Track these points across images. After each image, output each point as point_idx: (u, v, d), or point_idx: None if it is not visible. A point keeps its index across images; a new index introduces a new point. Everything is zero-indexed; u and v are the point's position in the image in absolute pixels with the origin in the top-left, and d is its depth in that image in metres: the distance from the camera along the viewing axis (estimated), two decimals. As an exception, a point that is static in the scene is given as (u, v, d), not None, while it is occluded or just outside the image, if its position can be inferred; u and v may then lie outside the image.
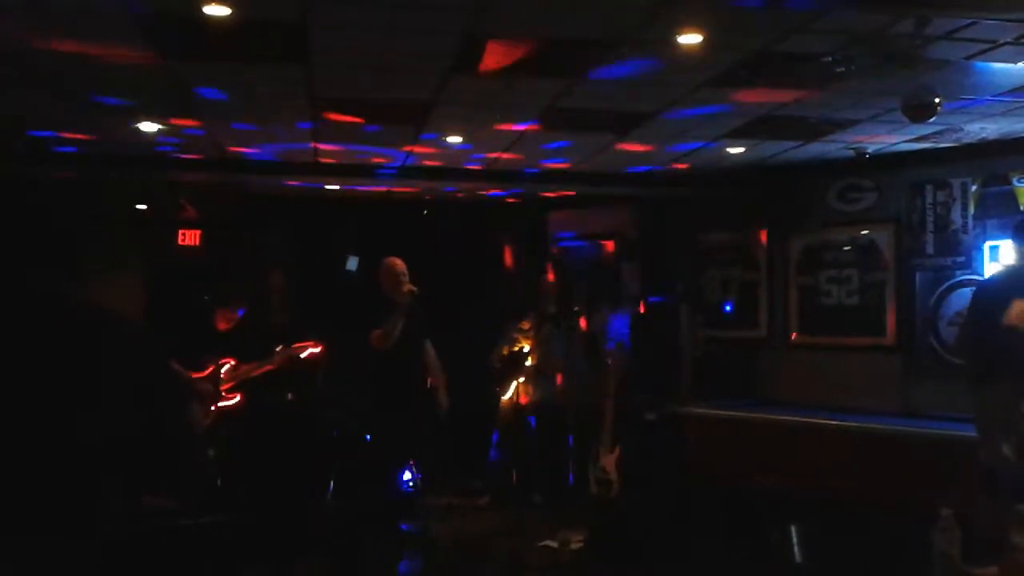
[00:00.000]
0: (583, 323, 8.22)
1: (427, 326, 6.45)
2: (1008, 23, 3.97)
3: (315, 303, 9.01)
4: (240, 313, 6.37)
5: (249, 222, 9.60)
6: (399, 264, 6.30)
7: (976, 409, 5.23)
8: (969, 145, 6.58)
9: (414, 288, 6.14)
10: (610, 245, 9.42)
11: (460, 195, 9.27)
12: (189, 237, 9.56)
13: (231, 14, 3.98)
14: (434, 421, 6.54)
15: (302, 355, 6.38)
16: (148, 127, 6.31)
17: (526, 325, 7.93)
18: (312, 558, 5.99)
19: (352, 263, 9.26)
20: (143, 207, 9.30)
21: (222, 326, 6.33)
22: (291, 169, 7.88)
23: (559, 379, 7.87)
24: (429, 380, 6.49)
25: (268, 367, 6.28)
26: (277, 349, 6.36)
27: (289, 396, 7.27)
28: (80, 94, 5.49)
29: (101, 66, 4.82)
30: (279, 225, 9.69)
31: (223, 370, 6.19)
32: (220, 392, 6.16)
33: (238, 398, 6.22)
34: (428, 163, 7.71)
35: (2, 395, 2.34)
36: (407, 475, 6.66)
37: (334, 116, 6.02)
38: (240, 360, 6.24)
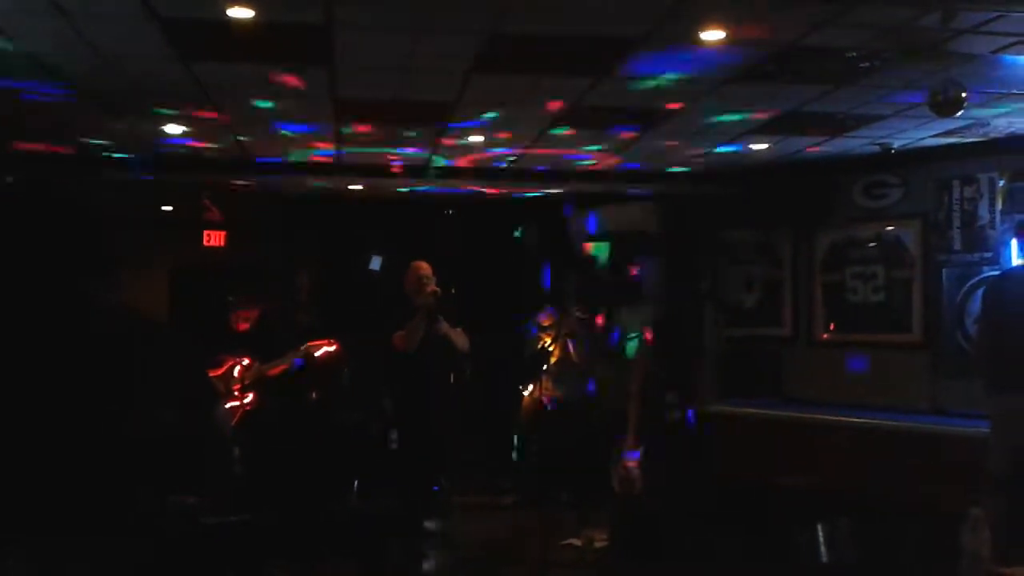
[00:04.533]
0: (606, 321, 8.19)
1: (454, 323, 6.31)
2: (1037, 16, 3.93)
3: (340, 302, 9.04)
4: (256, 313, 6.41)
5: (274, 222, 9.65)
6: (424, 267, 6.27)
7: (989, 414, 5.15)
8: (996, 140, 6.50)
9: (437, 290, 6.14)
10: (633, 243, 9.37)
11: (483, 194, 9.27)
12: (214, 238, 9.63)
13: (255, 16, 4.01)
14: (458, 421, 6.53)
15: (316, 353, 6.39)
16: (173, 129, 6.36)
17: (548, 322, 7.91)
18: (336, 557, 6.01)
19: (375, 263, 9.28)
20: (168, 208, 9.37)
21: (240, 327, 6.39)
22: (314, 170, 7.92)
23: (582, 377, 7.85)
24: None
25: (283, 366, 6.31)
26: (303, 346, 6.39)
27: (313, 396, 7.31)
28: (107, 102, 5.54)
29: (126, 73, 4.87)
30: (304, 225, 9.74)
31: (237, 369, 6.23)
32: (233, 390, 6.20)
33: (251, 396, 6.25)
34: (451, 163, 7.73)
35: (32, 394, 2.37)
36: (431, 474, 6.67)
37: (357, 117, 6.04)
38: (258, 359, 6.29)
